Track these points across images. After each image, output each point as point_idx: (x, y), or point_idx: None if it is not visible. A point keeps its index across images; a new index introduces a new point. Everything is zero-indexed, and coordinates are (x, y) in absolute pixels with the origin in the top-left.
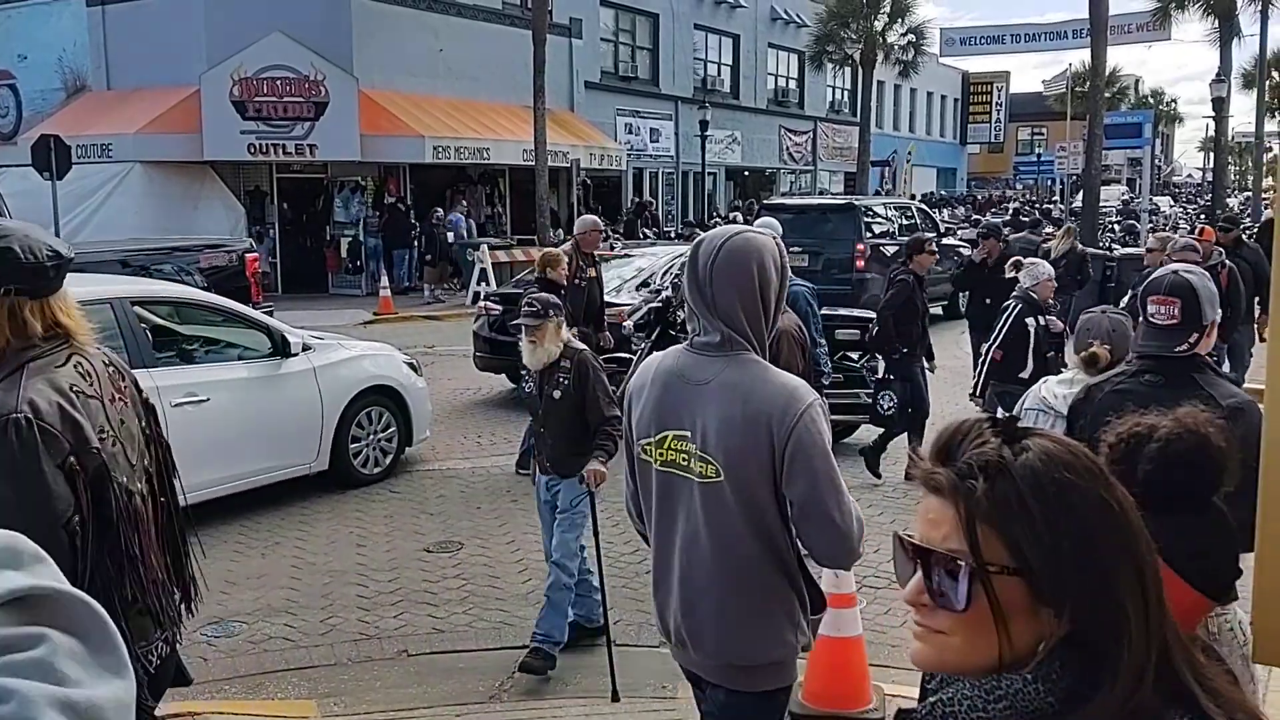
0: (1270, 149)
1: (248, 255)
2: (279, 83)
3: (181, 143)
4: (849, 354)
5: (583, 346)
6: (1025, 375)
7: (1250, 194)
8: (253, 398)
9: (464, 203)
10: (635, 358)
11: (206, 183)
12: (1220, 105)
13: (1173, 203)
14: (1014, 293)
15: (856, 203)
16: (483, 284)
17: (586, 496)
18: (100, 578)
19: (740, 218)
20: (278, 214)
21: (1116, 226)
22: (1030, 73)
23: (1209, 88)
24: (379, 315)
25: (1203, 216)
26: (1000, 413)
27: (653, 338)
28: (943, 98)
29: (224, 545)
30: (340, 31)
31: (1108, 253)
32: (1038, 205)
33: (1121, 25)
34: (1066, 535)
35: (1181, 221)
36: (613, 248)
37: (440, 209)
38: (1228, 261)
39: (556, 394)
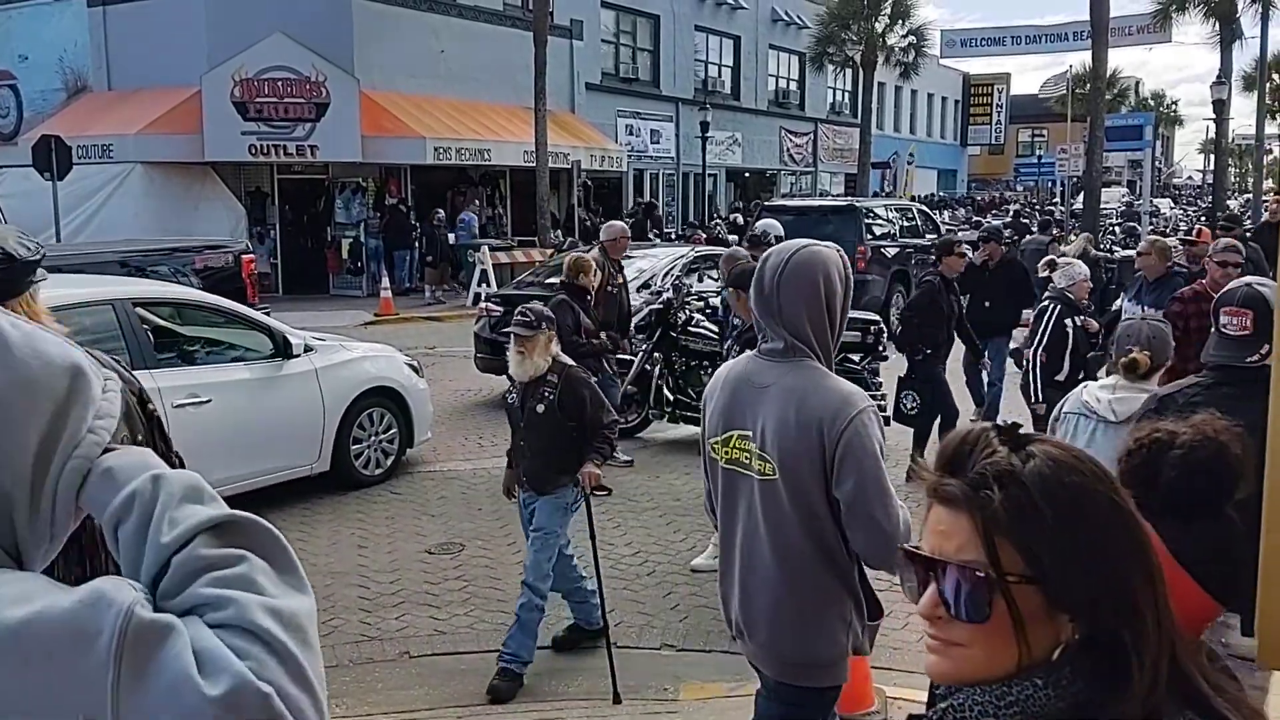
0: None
1: (244, 257)
2: (280, 84)
3: (182, 143)
4: (850, 355)
5: (570, 362)
6: (1061, 378)
7: (1250, 196)
8: (254, 399)
9: (475, 202)
10: (636, 360)
11: (207, 184)
12: (1221, 107)
13: (1173, 205)
14: (1048, 293)
15: (857, 204)
16: (483, 285)
17: (563, 514)
18: None
19: (740, 219)
20: (279, 215)
21: (1117, 229)
22: (1031, 74)
23: (1210, 90)
24: (380, 316)
25: (1203, 219)
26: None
27: (654, 340)
28: (943, 99)
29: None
30: (341, 32)
31: (1109, 254)
32: (1039, 207)
33: (1122, 27)
34: (1081, 540)
35: (1182, 224)
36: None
37: (441, 210)
38: None
39: (540, 408)
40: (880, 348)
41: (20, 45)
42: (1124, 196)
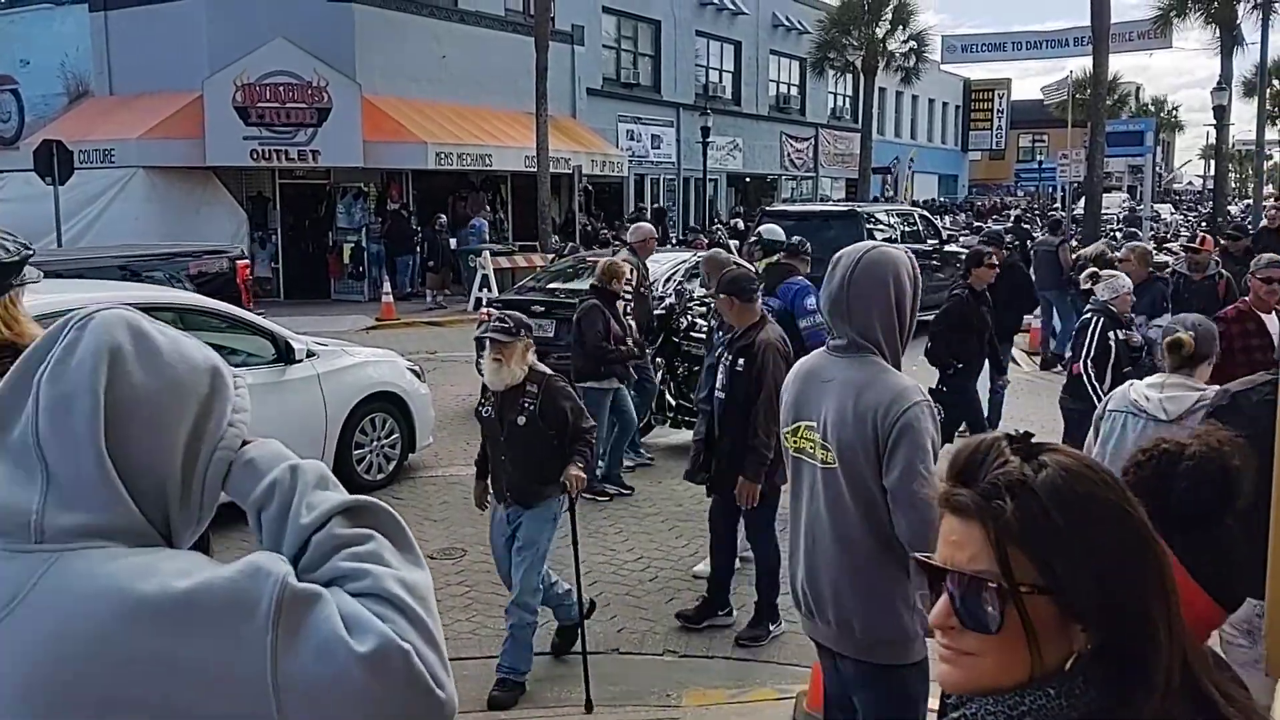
0: (1271, 157)
1: (239, 262)
2: (282, 89)
3: (184, 148)
4: None
5: (549, 371)
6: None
7: (1250, 201)
8: (257, 404)
9: (485, 207)
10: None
11: (209, 189)
12: (1221, 113)
13: (1173, 210)
14: (1090, 305)
15: (859, 210)
16: (484, 290)
17: (551, 526)
18: None
19: (741, 224)
20: (280, 220)
21: (1118, 234)
22: (1031, 80)
23: (1210, 95)
24: (381, 321)
25: (1203, 225)
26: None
27: (657, 344)
28: (944, 105)
29: (226, 553)
30: (343, 38)
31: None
32: (1039, 212)
33: (1123, 33)
34: (1094, 549)
35: (1183, 229)
36: (614, 253)
37: (443, 215)
38: (1224, 272)
39: (521, 420)
40: None
41: (22, 50)
42: (1124, 202)
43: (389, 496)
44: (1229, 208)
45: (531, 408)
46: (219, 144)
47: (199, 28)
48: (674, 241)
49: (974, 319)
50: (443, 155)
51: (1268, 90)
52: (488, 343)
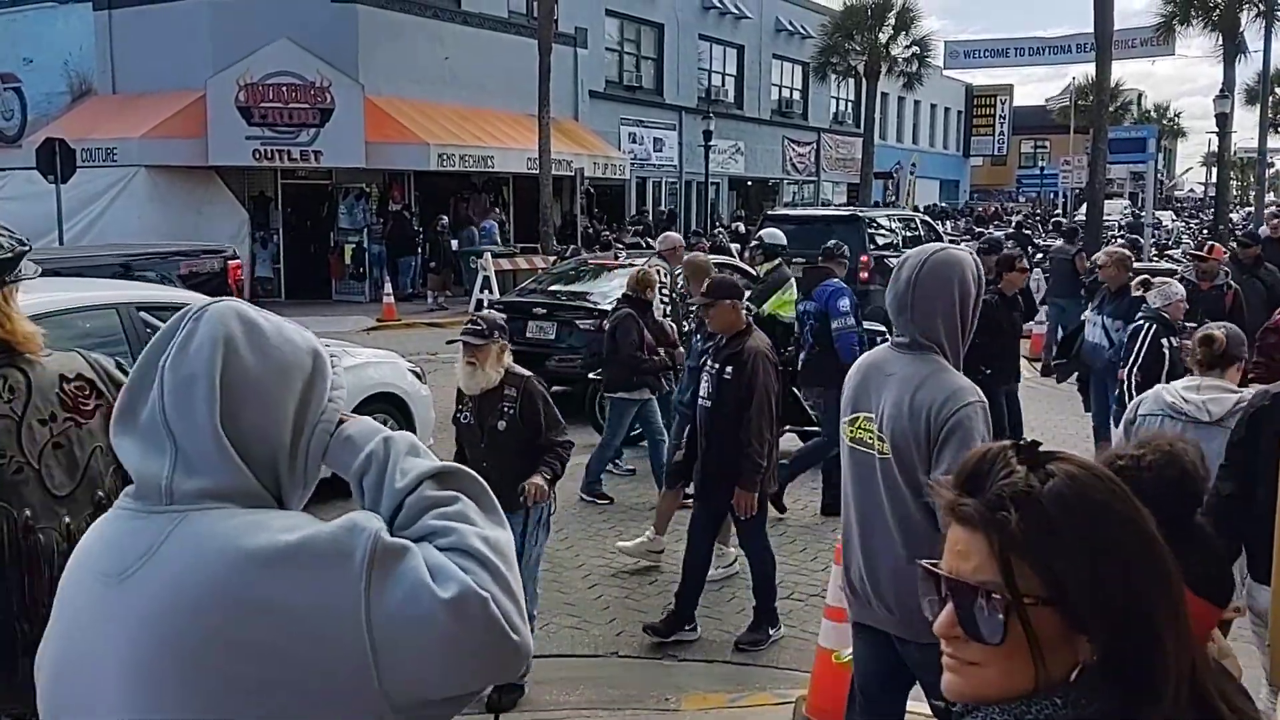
0: (1272, 165)
1: (231, 262)
2: (285, 89)
3: (187, 148)
4: None
5: (527, 373)
6: None
7: (1251, 209)
8: None
9: (496, 209)
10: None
11: (211, 188)
12: (1224, 121)
13: (1174, 217)
14: (1142, 312)
15: (861, 214)
16: (486, 291)
17: (541, 532)
18: None
19: (743, 228)
20: (282, 220)
21: (1120, 240)
22: (1034, 86)
23: (1212, 103)
24: (382, 322)
25: (1205, 232)
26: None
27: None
28: (946, 110)
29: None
30: (347, 39)
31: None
32: (1040, 218)
33: (1125, 40)
34: (1101, 561)
35: (1184, 235)
36: (616, 256)
37: (445, 216)
38: (1233, 283)
39: (501, 424)
40: None
41: (25, 48)
42: (1126, 208)
43: None
44: (1230, 215)
45: (511, 411)
46: (221, 144)
47: (202, 27)
48: None
49: (1005, 324)
50: (445, 157)
51: (1270, 98)
52: (461, 346)
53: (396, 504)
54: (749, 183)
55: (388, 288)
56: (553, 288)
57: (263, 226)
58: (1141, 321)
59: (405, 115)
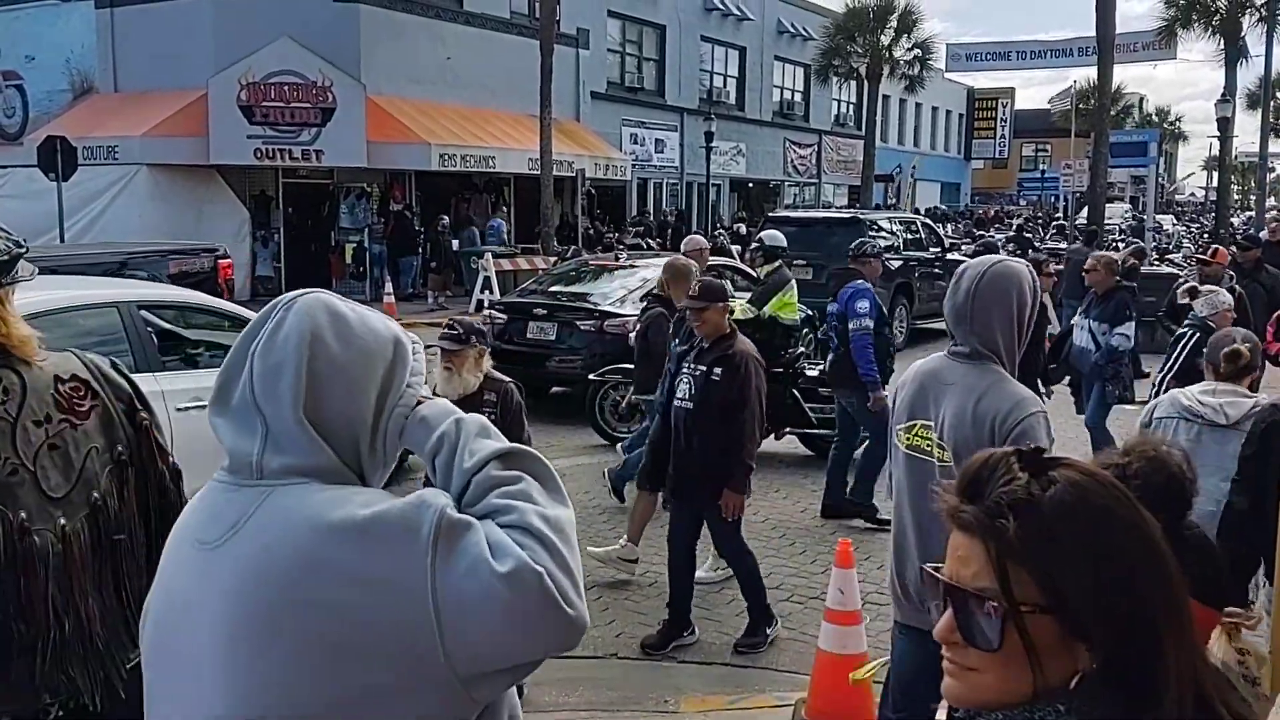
0: (1273, 169)
1: (221, 261)
2: (286, 88)
3: (188, 146)
4: None
5: (507, 380)
6: None
7: (1253, 213)
8: None
9: (504, 208)
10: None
11: (212, 187)
12: (1225, 125)
13: (1175, 221)
14: (1188, 321)
15: (862, 216)
16: (486, 291)
17: None
18: None
19: (744, 229)
20: (283, 219)
21: (1121, 245)
22: (1035, 89)
23: (1214, 107)
24: None
25: (1206, 236)
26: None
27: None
28: (948, 113)
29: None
30: (349, 38)
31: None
32: (1042, 221)
33: (1127, 44)
34: (1103, 568)
35: (1185, 239)
36: (617, 258)
37: (446, 216)
38: (1236, 287)
39: None
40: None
41: (27, 46)
42: (1127, 212)
43: None
44: (1231, 219)
45: (492, 416)
46: (223, 142)
47: (204, 26)
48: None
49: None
50: (446, 157)
51: (1271, 102)
52: (439, 351)
53: (465, 483)
54: (750, 184)
55: (388, 287)
56: (553, 289)
57: (264, 225)
58: (1186, 330)
59: (407, 115)
